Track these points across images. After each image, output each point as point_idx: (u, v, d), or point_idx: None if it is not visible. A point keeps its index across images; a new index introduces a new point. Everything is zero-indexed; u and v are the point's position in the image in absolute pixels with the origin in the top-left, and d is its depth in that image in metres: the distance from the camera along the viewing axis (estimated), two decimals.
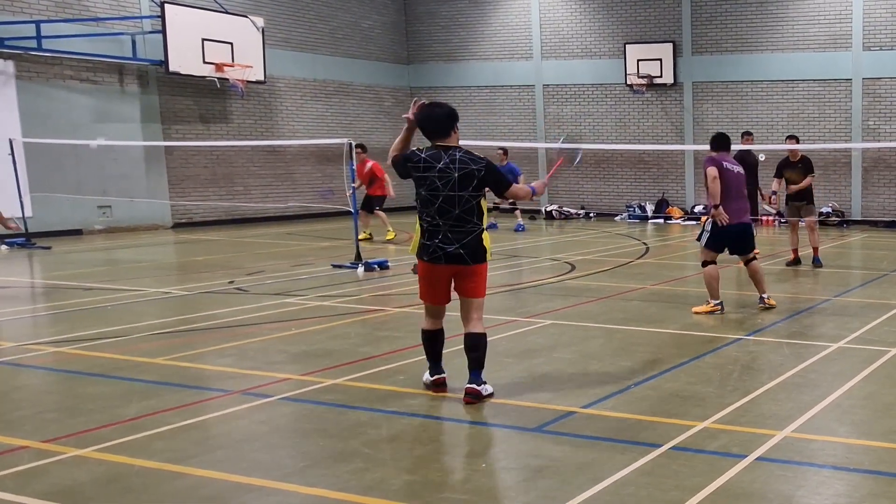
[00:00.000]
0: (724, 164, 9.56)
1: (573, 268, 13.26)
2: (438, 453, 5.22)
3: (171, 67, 19.19)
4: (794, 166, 13.60)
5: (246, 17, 20.73)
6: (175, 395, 6.35)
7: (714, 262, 9.65)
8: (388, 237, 17.00)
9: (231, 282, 11.72)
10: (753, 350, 7.92)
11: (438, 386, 6.45)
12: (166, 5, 18.90)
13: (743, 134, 15.64)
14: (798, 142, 14.10)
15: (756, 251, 9.91)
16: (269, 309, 9.78)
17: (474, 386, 6.20)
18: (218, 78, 20.14)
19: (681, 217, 22.88)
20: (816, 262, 13.56)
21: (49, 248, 15.91)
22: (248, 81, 20.61)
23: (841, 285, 11.93)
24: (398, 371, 6.99)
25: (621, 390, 6.48)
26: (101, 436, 5.39)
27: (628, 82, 23.56)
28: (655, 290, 11.17)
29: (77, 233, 18.44)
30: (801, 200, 13.55)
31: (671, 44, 23.11)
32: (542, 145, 24.12)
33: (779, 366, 7.28)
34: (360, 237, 14.77)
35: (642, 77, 23.29)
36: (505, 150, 19.69)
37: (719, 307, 9.57)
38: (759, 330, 8.69)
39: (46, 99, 17.99)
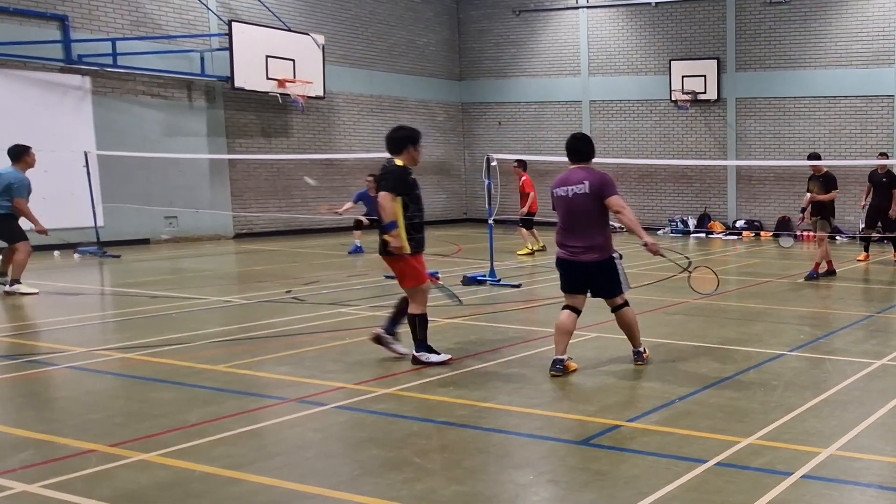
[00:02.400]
0: (554, 188, 7.30)
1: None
2: (487, 464, 5.15)
3: (237, 83, 19.37)
4: (817, 180, 13.39)
5: (308, 34, 20.87)
6: (235, 401, 6.37)
7: (569, 308, 7.32)
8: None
9: (288, 291, 11.77)
10: (796, 366, 7.71)
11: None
12: (234, 23, 19.12)
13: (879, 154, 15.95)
14: (819, 158, 13.99)
15: (619, 299, 7.40)
16: (325, 318, 9.80)
17: (414, 353, 7.46)
18: (280, 93, 20.30)
19: (722, 232, 22.50)
20: (811, 276, 13.26)
21: (119, 256, 16.15)
22: (309, 97, 20.76)
23: (884, 301, 11.61)
24: (448, 382, 6.93)
25: (666, 404, 6.35)
26: (165, 441, 5.42)
27: (673, 98, 23.27)
28: (697, 305, 10.97)
29: (145, 242, 18.71)
30: (817, 214, 13.33)
31: (715, 60, 22.77)
32: None
33: (822, 382, 7.08)
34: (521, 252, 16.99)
35: (687, 93, 22.98)
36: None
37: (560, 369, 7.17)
38: (802, 346, 8.47)
39: (119, 113, 18.29)
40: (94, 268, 14.87)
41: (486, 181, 12.92)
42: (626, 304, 7.42)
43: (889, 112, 21.10)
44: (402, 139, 7.51)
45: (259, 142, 21.11)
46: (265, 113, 21.11)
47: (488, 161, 13.37)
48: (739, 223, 22.69)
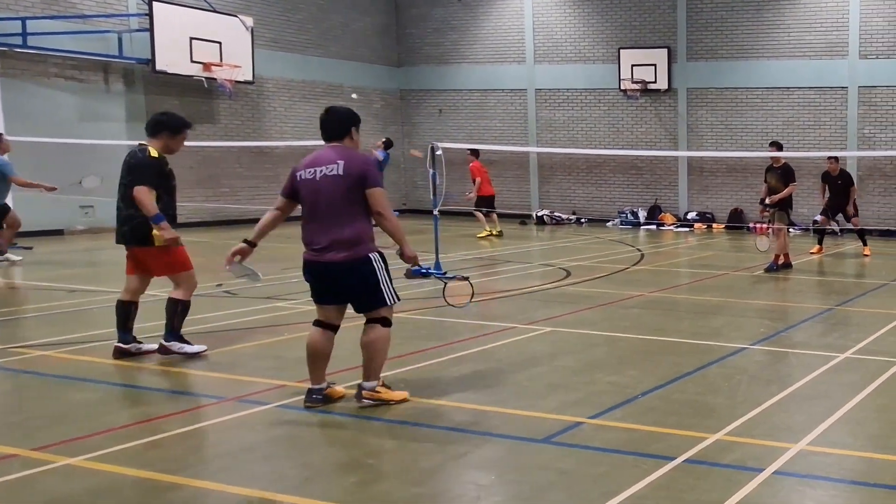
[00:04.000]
0: (298, 171, 6.08)
1: (568, 274, 13.16)
2: (445, 464, 5.08)
3: (158, 66, 19.00)
4: (775, 171, 13.67)
5: (235, 16, 20.55)
6: (168, 402, 6.20)
7: (320, 323, 6.13)
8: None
9: (219, 285, 11.53)
10: (759, 360, 7.82)
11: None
12: (154, 3, 18.70)
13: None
14: (781, 149, 14.14)
15: (383, 311, 6.06)
16: (260, 313, 9.62)
17: (163, 342, 7.41)
18: (205, 78, 19.94)
19: (673, 223, 22.83)
20: (770, 269, 13.56)
21: (31, 248, 15.68)
22: (237, 81, 20.45)
23: (841, 294, 11.88)
24: (397, 379, 6.83)
25: (629, 400, 6.36)
26: (93, 444, 5.23)
27: (622, 87, 23.51)
28: (654, 298, 11.08)
29: (58, 233, 18.21)
30: (774, 206, 13.64)
31: (666, 49, 23.08)
32: (534, 150, 24.03)
33: (787, 376, 7.20)
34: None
35: (636, 82, 23.25)
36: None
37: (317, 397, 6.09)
38: (763, 339, 8.59)
39: (30, 97, 17.76)
40: (4, 260, 14.36)
41: (431, 171, 12.88)
42: (384, 321, 6.07)
43: (843, 104, 21.63)
44: (158, 123, 7.44)
45: None
46: (190, 98, 20.69)
47: (433, 150, 13.29)
48: (691, 215, 23.04)
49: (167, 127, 7.40)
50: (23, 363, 7.33)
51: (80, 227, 18.64)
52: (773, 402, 6.34)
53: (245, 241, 6.26)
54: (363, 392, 6.04)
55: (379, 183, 5.97)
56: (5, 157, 13.70)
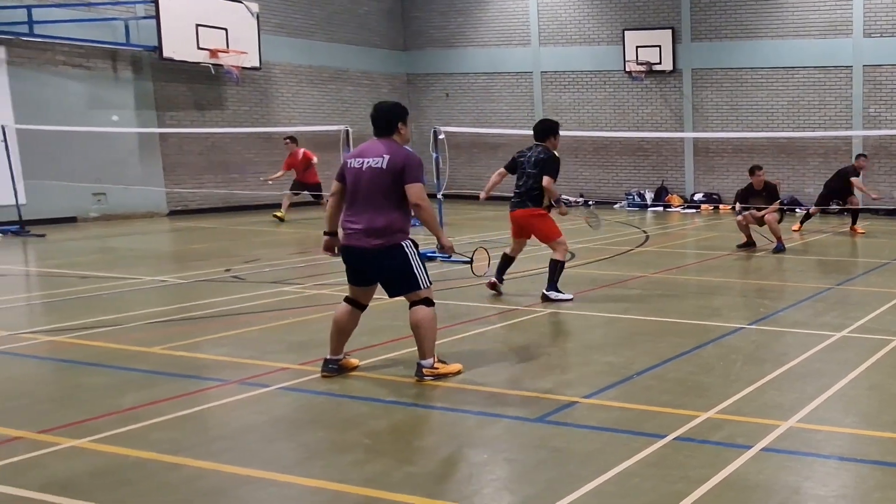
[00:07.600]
0: (348, 159, 6.50)
1: (573, 255, 13.19)
2: (440, 444, 5.17)
3: (165, 53, 19.02)
4: (759, 194, 13.81)
5: (241, 2, 20.55)
6: (172, 384, 6.30)
7: (350, 301, 6.55)
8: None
9: (227, 270, 11.66)
10: (756, 339, 7.87)
11: None
12: None
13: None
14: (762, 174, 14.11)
15: (422, 293, 6.34)
16: (266, 297, 9.72)
17: (544, 291, 9.56)
18: (213, 64, 20.00)
19: (680, 205, 22.81)
20: (778, 249, 13.62)
21: (43, 235, 15.83)
22: (243, 68, 20.50)
23: (843, 273, 11.90)
24: (397, 361, 6.93)
25: (624, 380, 6.44)
26: (97, 426, 5.34)
27: (627, 69, 23.45)
28: (656, 279, 11.13)
29: (71, 220, 18.35)
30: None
31: (670, 30, 22.99)
32: None
33: (782, 355, 7.24)
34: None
35: (641, 64, 23.17)
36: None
37: (329, 368, 6.50)
38: (762, 319, 8.64)
39: (39, 85, 17.84)
40: (17, 247, 14.54)
41: (434, 155, 13.00)
42: (426, 301, 6.36)
43: (847, 83, 21.52)
44: (548, 129, 9.55)
45: (192, 115, 20.78)
46: (197, 84, 20.78)
47: (436, 134, 13.39)
48: (698, 196, 23.02)
49: (555, 131, 9.51)
50: (32, 348, 7.44)
51: (93, 214, 18.79)
52: (766, 380, 6.40)
53: (325, 233, 6.59)
54: (423, 370, 6.37)
55: (418, 178, 6.28)
56: None
